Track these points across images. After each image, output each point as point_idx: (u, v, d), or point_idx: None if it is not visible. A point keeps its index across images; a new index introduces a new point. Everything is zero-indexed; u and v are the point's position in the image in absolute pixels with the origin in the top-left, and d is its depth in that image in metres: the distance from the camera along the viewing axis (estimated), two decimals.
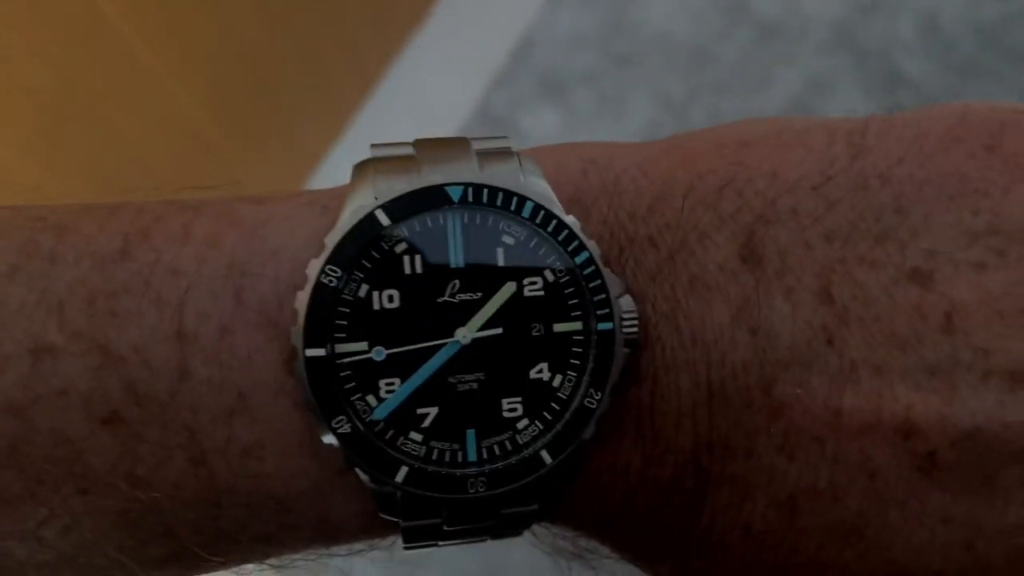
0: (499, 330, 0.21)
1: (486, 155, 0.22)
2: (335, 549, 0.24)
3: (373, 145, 0.22)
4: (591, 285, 0.21)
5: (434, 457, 0.20)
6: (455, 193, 0.21)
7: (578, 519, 0.23)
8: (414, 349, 0.20)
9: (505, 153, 0.22)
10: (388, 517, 0.21)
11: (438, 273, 0.21)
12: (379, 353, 0.20)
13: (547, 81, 1.12)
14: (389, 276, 0.20)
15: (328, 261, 0.20)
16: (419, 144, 0.22)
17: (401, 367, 0.20)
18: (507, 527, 0.22)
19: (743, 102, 1.10)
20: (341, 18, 0.96)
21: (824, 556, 0.21)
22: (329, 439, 0.20)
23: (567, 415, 0.21)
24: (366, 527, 0.22)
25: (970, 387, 0.19)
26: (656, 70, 1.12)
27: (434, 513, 0.21)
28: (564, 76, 1.12)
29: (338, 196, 0.22)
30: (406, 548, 0.23)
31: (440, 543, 0.23)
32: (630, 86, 1.12)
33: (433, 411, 0.20)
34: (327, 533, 0.22)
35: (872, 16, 1.13)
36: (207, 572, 0.22)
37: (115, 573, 0.20)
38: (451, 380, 0.21)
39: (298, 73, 0.95)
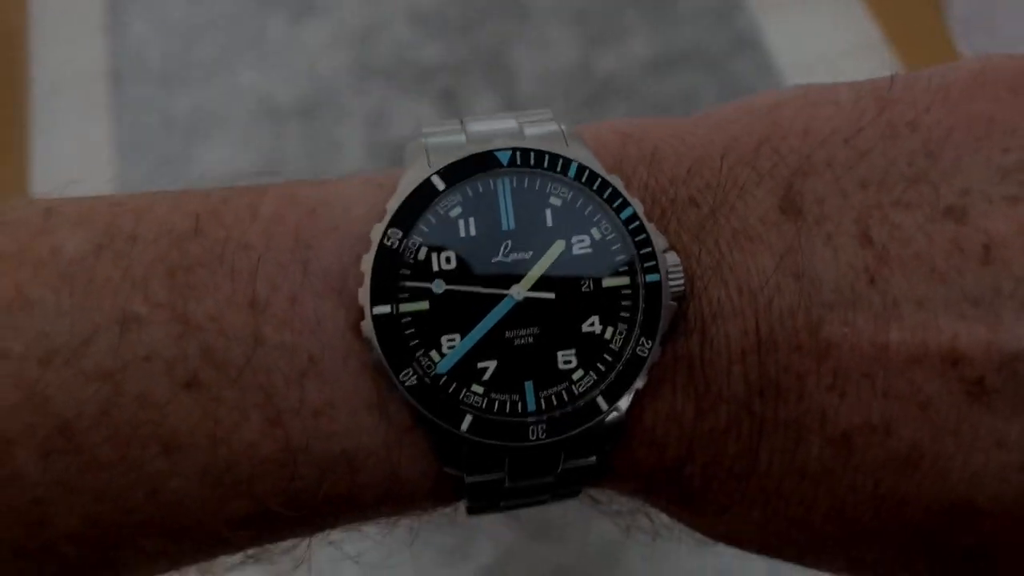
0: (551, 294, 0.22)
1: (530, 124, 0.23)
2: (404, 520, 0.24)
3: (425, 127, 0.23)
4: (636, 239, 0.22)
5: (495, 408, 0.21)
6: (504, 157, 0.22)
7: (637, 476, 0.23)
8: (472, 295, 0.21)
9: (548, 121, 0.23)
10: (452, 472, 0.22)
11: (491, 234, 0.22)
12: (439, 286, 0.21)
13: None
14: (446, 238, 0.22)
15: (390, 224, 0.21)
16: (467, 120, 0.23)
17: (460, 323, 0.21)
18: (567, 484, 0.23)
19: None
20: None
21: (882, 491, 0.21)
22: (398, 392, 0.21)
23: (620, 365, 0.22)
24: (433, 489, 0.23)
25: (1012, 313, 0.20)
26: None
27: (497, 466, 0.22)
28: None
29: (391, 175, 0.23)
30: (470, 512, 0.24)
31: (502, 504, 0.23)
32: None
33: (492, 364, 0.21)
34: (396, 494, 0.22)
35: None
36: (288, 534, 0.23)
37: (206, 532, 0.21)
38: (508, 335, 0.22)
39: None
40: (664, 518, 0.25)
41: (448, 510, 0.25)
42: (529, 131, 0.23)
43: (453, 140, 0.23)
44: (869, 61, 1.03)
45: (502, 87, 1.02)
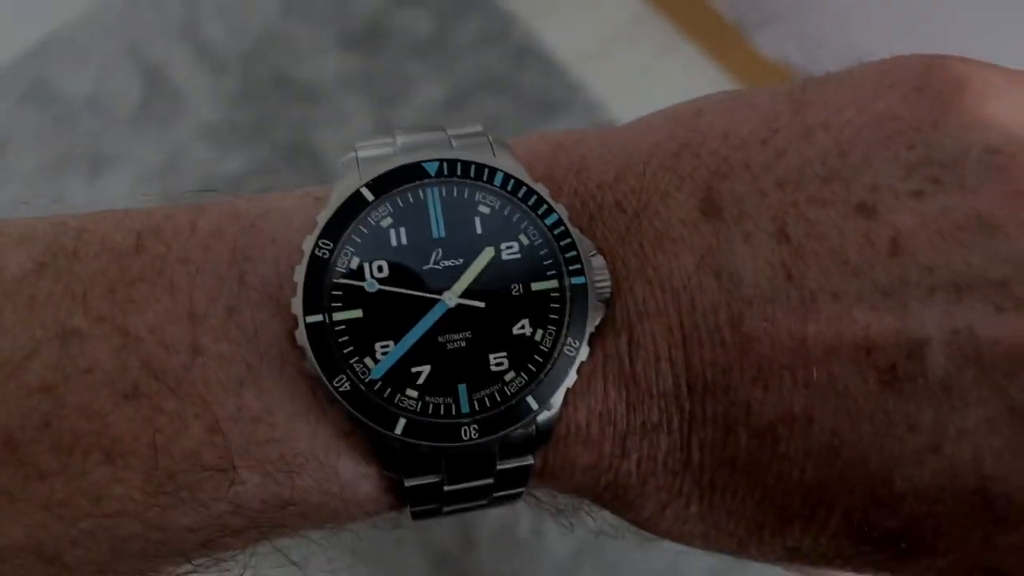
0: (482, 303, 0.23)
1: (459, 138, 0.24)
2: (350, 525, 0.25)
3: (357, 143, 0.24)
4: (562, 244, 0.23)
5: (430, 411, 0.22)
6: (431, 168, 0.23)
7: (575, 475, 0.24)
8: (404, 302, 0.22)
9: (476, 135, 0.24)
10: (390, 474, 0.23)
11: (422, 243, 0.23)
12: (371, 285, 0.22)
13: None
14: (378, 247, 0.22)
15: (321, 235, 0.22)
16: (398, 133, 0.24)
17: (394, 330, 0.22)
18: (506, 486, 0.24)
19: None
20: None
21: (808, 479, 0.22)
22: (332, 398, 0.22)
23: (549, 365, 0.22)
24: (375, 494, 0.23)
25: (919, 302, 0.21)
26: None
27: (434, 469, 0.23)
28: None
29: (328, 188, 0.24)
30: (414, 516, 0.24)
31: (444, 509, 0.24)
32: None
33: (426, 369, 0.22)
34: (338, 498, 0.23)
35: None
36: (234, 542, 0.23)
37: (152, 541, 0.22)
38: (440, 340, 0.22)
39: None
40: (608, 516, 0.26)
41: (393, 515, 0.25)
42: (457, 143, 0.24)
43: (382, 153, 0.24)
44: (647, 33, 1.04)
45: (315, 171, 1.01)
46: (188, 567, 0.24)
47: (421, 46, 1.03)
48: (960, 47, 0.24)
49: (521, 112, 1.00)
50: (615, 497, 0.24)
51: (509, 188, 0.23)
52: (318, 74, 1.06)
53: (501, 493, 0.24)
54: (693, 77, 1.05)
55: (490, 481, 0.23)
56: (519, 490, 0.24)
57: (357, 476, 0.23)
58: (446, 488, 0.23)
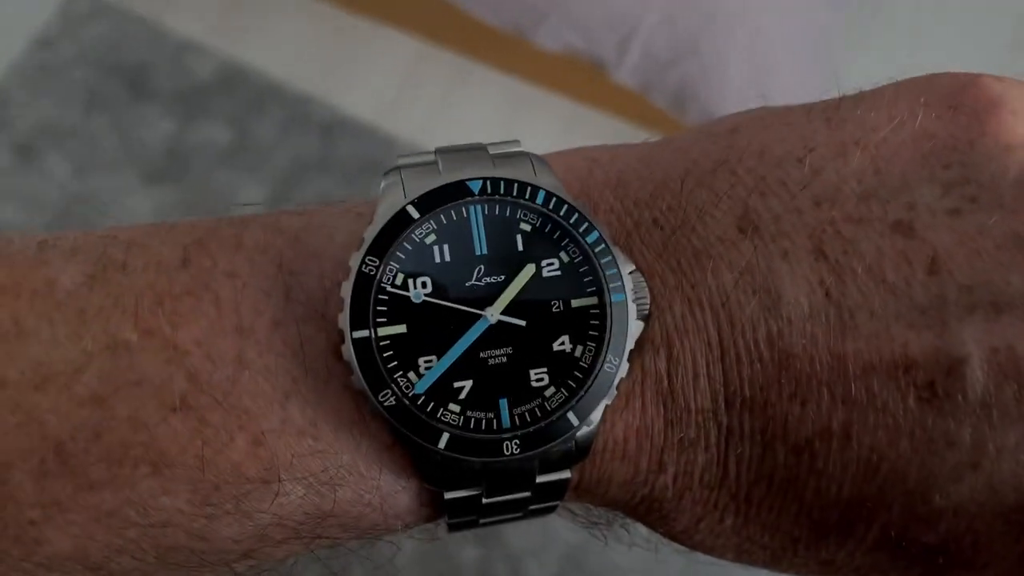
0: (523, 320, 0.23)
1: (500, 157, 0.24)
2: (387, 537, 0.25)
3: (399, 156, 0.25)
4: (603, 261, 0.23)
5: (471, 425, 0.22)
6: (475, 186, 0.23)
7: (613, 491, 0.24)
8: (447, 317, 0.22)
9: (518, 154, 0.25)
10: (431, 488, 0.23)
11: (465, 259, 0.23)
12: (417, 296, 0.22)
13: None
14: (422, 264, 0.23)
15: (368, 252, 0.22)
16: (440, 150, 0.25)
17: (437, 345, 0.22)
18: (543, 499, 0.24)
19: None
20: None
21: (846, 494, 0.22)
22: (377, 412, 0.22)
23: (589, 381, 0.23)
24: (414, 506, 0.24)
25: (958, 320, 0.21)
26: None
27: (474, 483, 0.23)
28: None
29: (370, 203, 0.24)
30: (450, 528, 0.25)
31: (481, 520, 0.24)
32: None
33: (468, 384, 0.22)
34: (378, 509, 0.23)
35: None
36: (277, 552, 0.23)
37: (196, 551, 0.22)
38: (482, 355, 0.23)
39: None
40: (642, 528, 0.26)
41: (430, 526, 0.25)
42: (499, 160, 0.24)
43: (426, 171, 0.24)
44: (435, 67, 1.07)
45: None
46: (229, 575, 0.24)
47: (226, 155, 1.01)
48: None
49: (351, 182, 0.98)
50: (650, 511, 0.25)
51: (551, 206, 0.23)
52: (133, 215, 1.02)
53: (537, 506, 0.24)
54: (493, 92, 1.07)
55: (528, 494, 0.24)
56: (555, 503, 0.25)
57: (397, 489, 0.23)
58: (484, 501, 0.23)
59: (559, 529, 0.69)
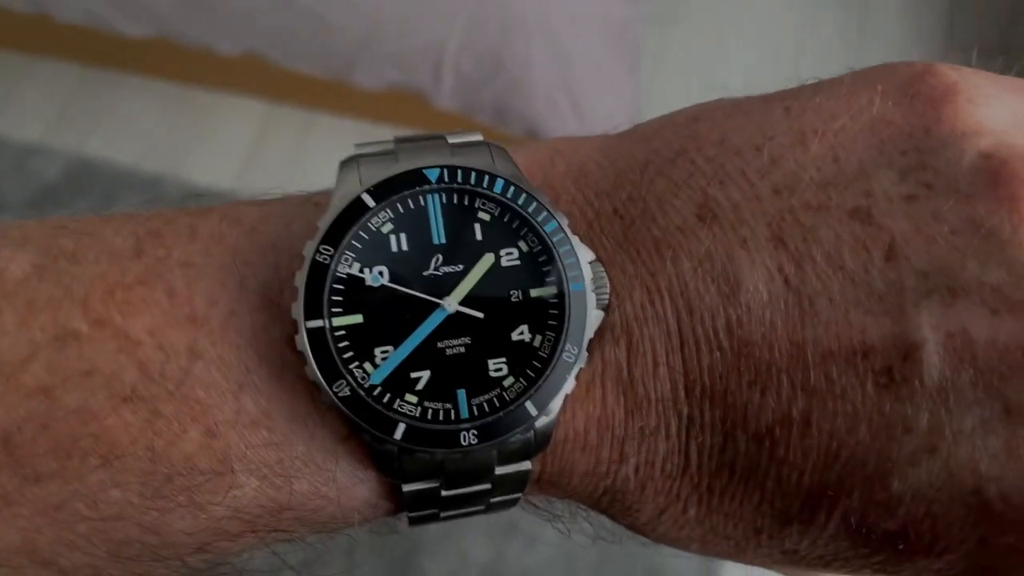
0: (482, 307, 0.23)
1: (459, 146, 0.24)
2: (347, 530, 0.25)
3: (356, 144, 0.24)
4: (562, 251, 0.23)
5: (429, 416, 0.22)
6: (432, 174, 0.23)
7: (575, 483, 0.24)
8: (404, 307, 0.22)
9: (477, 143, 0.24)
10: (388, 479, 0.22)
11: (422, 249, 0.23)
12: (376, 279, 0.22)
13: None
14: (378, 253, 0.23)
15: (321, 241, 0.22)
16: (399, 139, 0.24)
17: (393, 335, 0.22)
18: (504, 491, 0.24)
19: None
20: None
21: (807, 481, 0.22)
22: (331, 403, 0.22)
23: (548, 371, 0.22)
24: (372, 499, 0.23)
25: (914, 305, 0.21)
26: None
27: (432, 475, 0.23)
28: None
29: (328, 194, 0.24)
30: (411, 522, 0.24)
31: (442, 514, 0.24)
32: None
33: (425, 374, 0.22)
34: (336, 501, 0.23)
35: None
36: (233, 546, 0.23)
37: (149, 545, 0.22)
38: (440, 345, 0.22)
39: None
40: (605, 521, 0.26)
41: (391, 520, 0.25)
42: (458, 149, 0.24)
43: (384, 160, 0.24)
44: (279, 123, 1.11)
45: None
46: (184, 570, 0.24)
47: None
48: None
49: None
50: (613, 502, 0.24)
51: (509, 194, 0.23)
52: None
53: (498, 498, 0.24)
54: (342, 134, 1.11)
55: (488, 486, 0.23)
56: (516, 495, 0.24)
57: (355, 481, 0.23)
58: (444, 493, 0.23)
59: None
